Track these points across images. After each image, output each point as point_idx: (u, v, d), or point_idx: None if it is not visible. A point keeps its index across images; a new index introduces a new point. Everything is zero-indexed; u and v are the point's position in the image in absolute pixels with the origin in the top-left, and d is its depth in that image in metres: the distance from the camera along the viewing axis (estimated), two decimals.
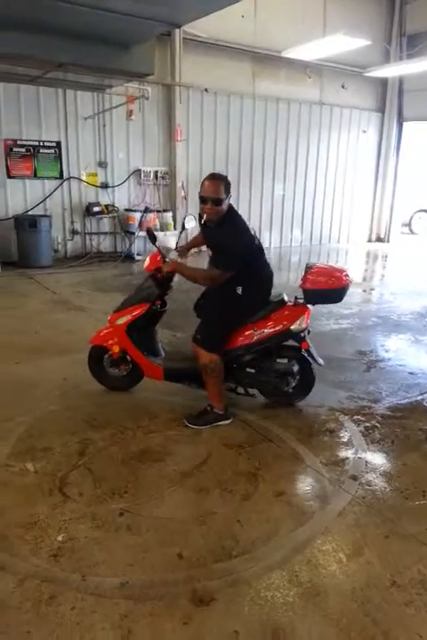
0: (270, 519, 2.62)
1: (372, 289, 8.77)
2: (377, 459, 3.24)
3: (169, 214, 10.82)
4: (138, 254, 10.06)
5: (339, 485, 2.92)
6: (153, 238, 3.75)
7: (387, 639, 1.94)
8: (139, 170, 10.70)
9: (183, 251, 4.02)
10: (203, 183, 3.36)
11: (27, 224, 9.19)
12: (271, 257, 11.88)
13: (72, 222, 10.21)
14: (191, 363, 3.70)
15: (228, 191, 3.34)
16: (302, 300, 3.65)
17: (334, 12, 11.62)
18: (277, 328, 3.58)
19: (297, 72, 11.95)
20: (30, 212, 9.62)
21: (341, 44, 9.39)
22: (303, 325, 3.62)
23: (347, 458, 3.22)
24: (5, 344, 5.08)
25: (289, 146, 12.67)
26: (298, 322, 3.60)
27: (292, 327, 3.59)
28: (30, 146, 9.56)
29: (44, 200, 9.84)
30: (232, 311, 3.55)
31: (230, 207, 3.45)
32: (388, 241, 14.70)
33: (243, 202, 12.29)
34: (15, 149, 9.45)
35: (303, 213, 13.47)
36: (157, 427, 3.54)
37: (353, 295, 7.93)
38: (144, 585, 2.18)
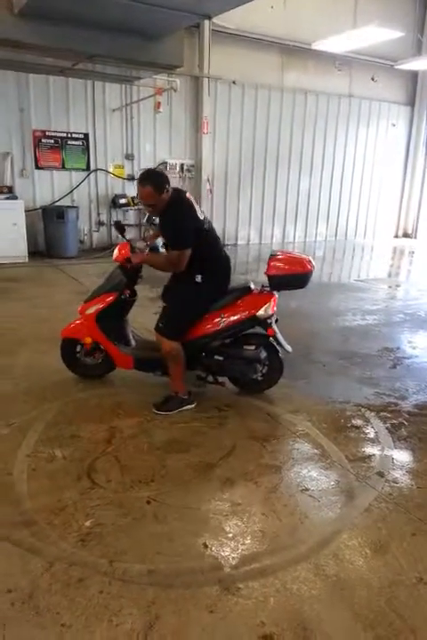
0: (295, 512, 2.62)
1: (398, 285, 8.66)
2: (404, 456, 3.20)
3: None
4: (162, 246, 10.11)
5: (365, 481, 2.89)
6: (121, 230, 3.80)
7: (415, 637, 1.93)
8: (165, 162, 10.75)
9: (150, 240, 3.98)
10: (137, 186, 3.47)
11: (54, 215, 9.31)
12: (295, 251, 11.80)
13: (98, 214, 10.32)
14: (156, 353, 3.72)
15: (160, 189, 3.31)
16: (268, 289, 3.68)
17: (364, 2, 11.44)
18: (242, 315, 3.62)
19: (326, 64, 11.83)
20: (57, 203, 9.74)
21: (373, 35, 9.25)
22: (269, 312, 3.65)
23: (373, 454, 3.19)
24: (33, 333, 5.17)
25: (316, 139, 12.56)
26: (264, 308, 3.62)
27: (257, 314, 3.61)
28: (59, 137, 9.68)
29: (72, 191, 9.96)
30: (192, 299, 3.61)
31: (174, 193, 3.45)
32: (415, 237, 14.49)
33: (268, 195, 12.27)
34: (44, 140, 9.58)
35: (329, 208, 13.35)
36: (181, 417, 3.56)
37: (379, 291, 7.84)
38: (170, 573, 2.20)
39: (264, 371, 3.85)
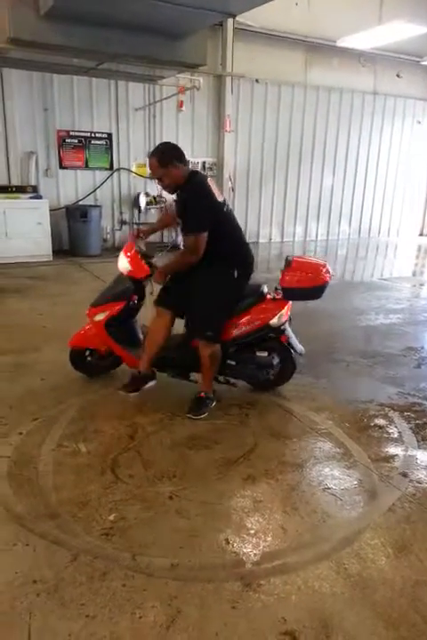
0: (317, 510, 2.62)
1: (422, 284, 8.54)
2: None
3: None
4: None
5: (388, 481, 2.87)
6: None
7: None
8: (188, 161, 10.76)
9: (146, 234, 3.91)
10: None
11: (78, 214, 9.43)
12: (318, 249, 11.74)
13: (121, 212, 10.41)
14: (172, 352, 3.70)
15: (165, 162, 3.24)
16: (281, 292, 3.62)
17: None
18: (256, 323, 3.57)
19: (350, 61, 11.71)
20: (81, 203, 9.86)
21: (399, 31, 9.13)
22: (283, 320, 3.61)
23: (396, 454, 3.16)
24: (58, 329, 5.24)
25: (340, 136, 12.45)
26: (277, 316, 3.58)
27: (271, 322, 3.58)
28: (82, 137, 9.80)
29: (95, 191, 10.06)
30: (230, 295, 3.51)
31: (191, 173, 3.38)
32: None
33: (290, 193, 12.22)
34: (68, 140, 9.70)
35: (352, 206, 13.23)
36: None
37: (403, 290, 7.74)
38: (193, 567, 2.22)
39: (277, 371, 3.82)
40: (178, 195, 3.43)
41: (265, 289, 3.68)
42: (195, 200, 3.28)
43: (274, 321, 3.57)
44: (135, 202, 10.28)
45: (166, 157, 3.26)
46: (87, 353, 4.03)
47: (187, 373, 3.83)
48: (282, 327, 3.64)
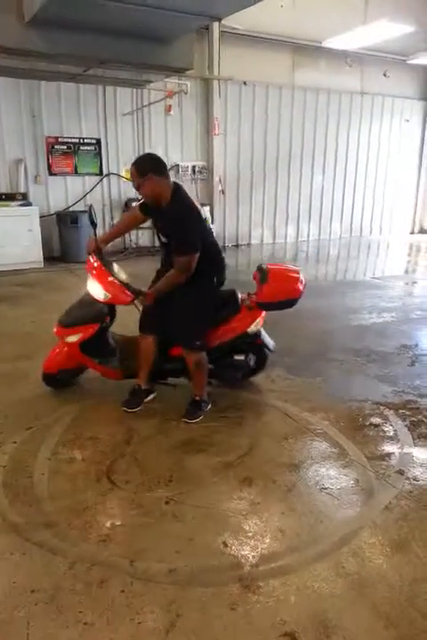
0: (315, 511, 2.62)
1: (414, 282, 8.58)
2: (424, 453, 3.17)
3: (206, 209, 10.84)
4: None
5: (385, 479, 2.88)
6: (92, 219, 3.56)
7: None
8: (177, 165, 10.77)
9: (105, 242, 3.79)
10: None
11: (68, 220, 9.40)
12: (310, 249, 11.77)
13: (111, 217, 10.38)
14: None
15: (144, 172, 3.22)
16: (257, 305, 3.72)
17: None
18: (235, 332, 3.68)
19: (337, 61, 11.77)
20: (71, 209, 9.83)
21: (384, 31, 9.20)
22: (259, 327, 3.78)
23: (392, 452, 3.17)
24: (51, 337, 5.19)
25: (329, 137, 12.51)
26: (254, 324, 3.72)
27: (249, 330, 3.71)
28: (71, 143, 9.77)
29: (85, 196, 10.03)
30: (211, 303, 3.59)
31: (176, 187, 3.38)
32: None
33: (281, 194, 12.25)
34: (56, 147, 9.67)
35: (343, 205, 13.28)
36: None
37: (395, 288, 7.78)
38: (191, 571, 2.21)
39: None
40: (165, 211, 3.34)
41: (239, 295, 3.76)
42: (189, 221, 3.31)
43: (251, 328, 3.72)
44: (126, 206, 10.26)
45: (144, 168, 3.25)
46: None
47: (165, 378, 3.89)
48: (258, 332, 3.79)
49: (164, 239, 3.46)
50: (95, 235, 3.62)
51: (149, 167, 3.26)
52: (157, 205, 3.37)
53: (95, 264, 3.56)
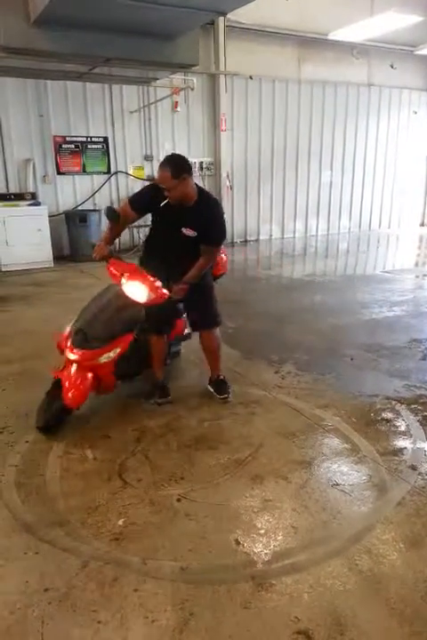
0: (327, 508, 2.60)
1: (425, 275, 8.51)
2: None
3: None
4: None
5: (397, 475, 2.86)
6: (114, 215, 3.36)
7: None
8: None
9: (111, 242, 3.55)
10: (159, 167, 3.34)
11: (77, 219, 9.43)
12: (319, 244, 11.71)
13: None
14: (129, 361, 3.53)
15: (178, 174, 3.20)
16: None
17: None
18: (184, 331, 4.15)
19: (344, 54, 11.68)
20: (80, 208, 9.86)
21: (390, 22, 9.11)
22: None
23: (405, 448, 3.14)
24: None
25: (336, 130, 12.42)
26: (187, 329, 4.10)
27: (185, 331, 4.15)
28: (79, 142, 9.79)
29: (93, 195, 10.05)
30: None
31: (199, 187, 3.48)
32: None
33: (289, 189, 12.20)
34: (64, 146, 9.70)
35: (352, 199, 13.20)
36: (209, 415, 3.57)
37: (406, 282, 7.72)
38: (203, 570, 2.21)
39: None
40: (194, 208, 3.39)
41: None
42: (221, 213, 3.58)
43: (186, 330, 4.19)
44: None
45: (180, 170, 3.23)
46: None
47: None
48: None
49: (190, 234, 3.42)
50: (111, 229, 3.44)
51: (185, 169, 3.28)
52: (181, 205, 3.37)
53: (125, 265, 3.32)
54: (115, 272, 3.30)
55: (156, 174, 3.62)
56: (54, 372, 3.41)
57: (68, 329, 3.50)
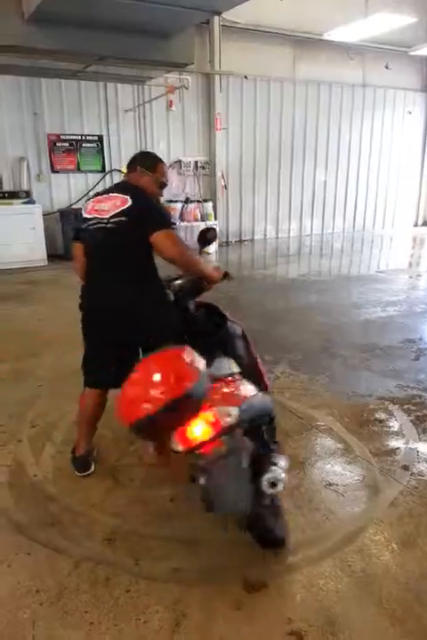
0: (320, 508, 2.60)
1: (419, 275, 8.54)
2: None
3: (209, 204, 10.84)
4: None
5: (390, 475, 2.86)
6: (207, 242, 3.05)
7: None
8: (179, 160, 10.75)
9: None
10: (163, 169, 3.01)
11: (72, 217, 9.36)
12: (313, 244, 11.73)
13: None
14: None
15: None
16: None
17: None
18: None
19: (338, 54, 11.70)
20: (74, 206, 9.82)
21: (385, 22, 9.13)
22: None
23: (398, 448, 3.15)
24: (57, 334, 5.22)
25: (331, 130, 12.45)
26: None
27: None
28: (73, 140, 9.77)
29: (88, 193, 10.00)
30: None
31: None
32: None
33: (284, 189, 12.21)
34: (59, 144, 9.67)
35: (346, 199, 13.23)
36: None
37: (399, 282, 7.74)
38: (196, 570, 2.21)
39: None
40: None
41: None
42: None
43: None
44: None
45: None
46: None
47: None
48: None
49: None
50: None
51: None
52: None
53: None
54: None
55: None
56: None
57: None
